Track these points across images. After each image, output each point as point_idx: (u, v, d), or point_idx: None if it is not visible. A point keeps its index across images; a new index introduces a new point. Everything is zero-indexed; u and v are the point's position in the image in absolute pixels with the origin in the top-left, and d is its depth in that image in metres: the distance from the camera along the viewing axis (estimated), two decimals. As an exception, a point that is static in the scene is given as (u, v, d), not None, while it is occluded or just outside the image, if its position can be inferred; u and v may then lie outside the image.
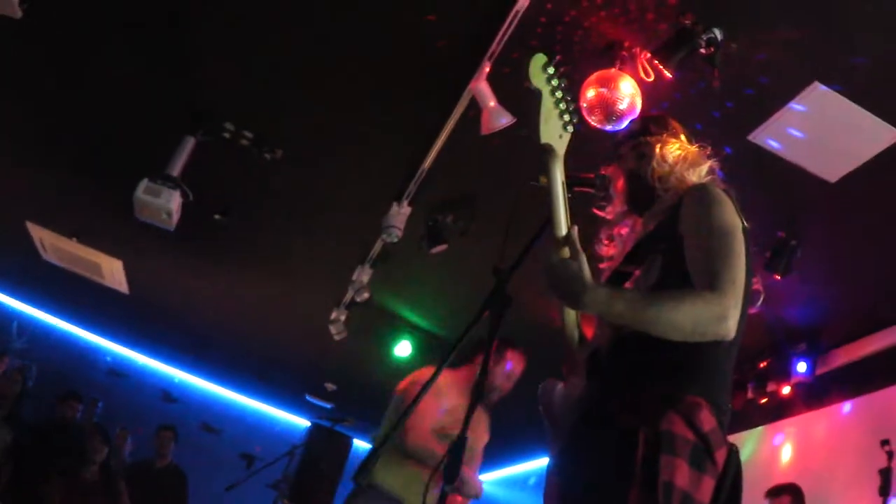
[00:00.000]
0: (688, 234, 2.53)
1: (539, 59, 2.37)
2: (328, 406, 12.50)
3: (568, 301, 2.42)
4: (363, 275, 7.73)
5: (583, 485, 2.41)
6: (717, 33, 4.61)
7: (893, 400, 7.10)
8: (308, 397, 12.60)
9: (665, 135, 2.91)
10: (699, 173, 2.79)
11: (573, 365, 2.72)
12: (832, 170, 5.55)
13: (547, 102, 2.37)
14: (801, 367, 7.58)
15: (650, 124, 3.02)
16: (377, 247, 7.44)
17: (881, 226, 5.97)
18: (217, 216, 7.70)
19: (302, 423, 12.17)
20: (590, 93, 4.87)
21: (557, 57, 2.38)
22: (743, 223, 2.55)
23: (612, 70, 4.89)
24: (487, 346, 2.46)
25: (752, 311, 2.59)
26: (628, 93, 4.84)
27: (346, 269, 7.94)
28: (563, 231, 2.42)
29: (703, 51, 4.64)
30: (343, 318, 8.51)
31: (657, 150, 2.85)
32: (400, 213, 6.44)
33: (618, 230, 2.97)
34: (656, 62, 4.73)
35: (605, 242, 2.97)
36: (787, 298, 6.99)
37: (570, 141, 2.42)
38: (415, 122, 5.94)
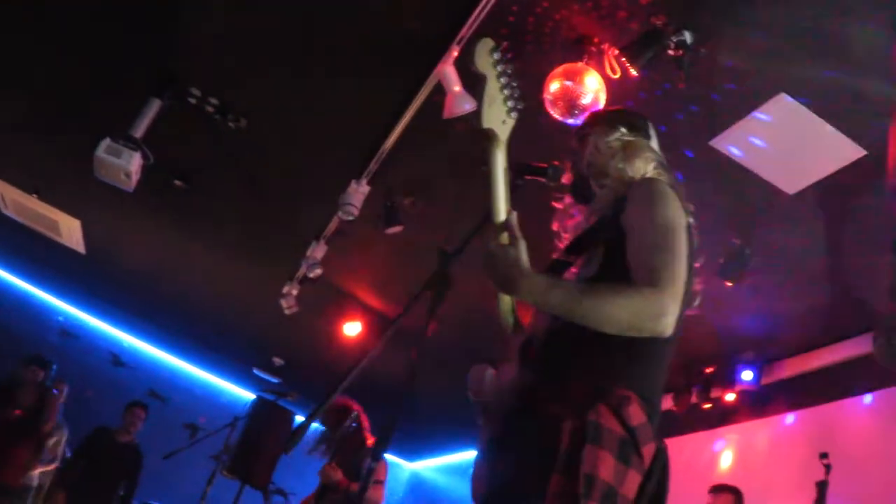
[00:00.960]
0: (631, 228, 2.49)
1: (486, 43, 2.35)
2: (275, 380, 12.51)
3: (504, 287, 2.38)
4: (317, 251, 7.70)
5: (507, 473, 2.38)
6: (688, 36, 4.61)
7: (835, 414, 7.18)
8: (255, 371, 12.60)
9: (604, 127, 2.88)
10: (638, 167, 2.74)
11: (506, 352, 2.70)
12: (791, 182, 5.57)
13: (491, 87, 2.35)
14: (747, 375, 7.64)
15: (594, 117, 3.02)
16: (333, 224, 7.43)
17: (836, 242, 6.00)
18: (177, 181, 7.67)
19: (248, 395, 12.16)
20: (554, 85, 4.87)
21: (505, 43, 2.37)
22: (688, 220, 2.53)
23: (579, 64, 4.89)
24: (425, 328, 2.44)
25: (691, 312, 2.57)
26: (593, 88, 4.83)
27: (302, 244, 7.93)
28: (503, 216, 2.40)
29: (671, 52, 4.64)
30: (295, 292, 8.49)
31: (591, 142, 2.85)
32: (358, 192, 6.42)
33: (569, 222, 2.94)
34: (624, 60, 4.73)
35: (563, 235, 2.94)
36: (737, 306, 7.03)
37: (514, 127, 2.40)
38: (380, 102, 5.91)
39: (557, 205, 2.99)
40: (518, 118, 2.40)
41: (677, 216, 2.48)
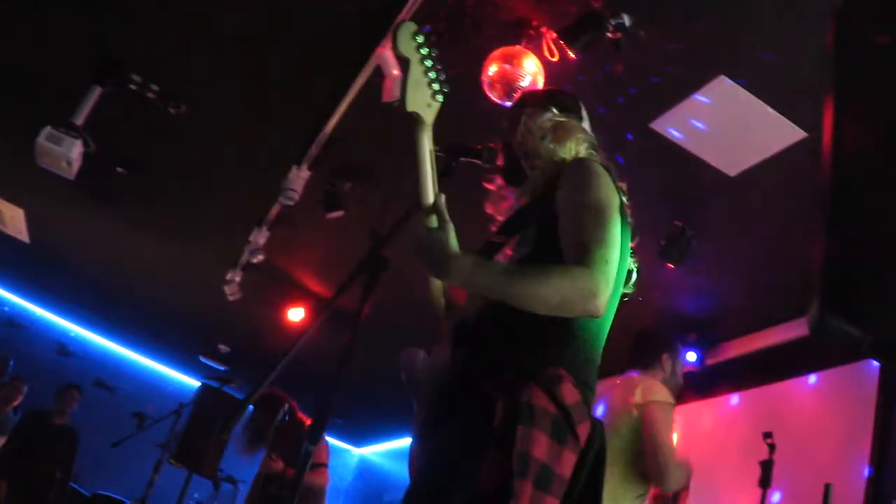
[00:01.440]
0: (563, 209, 2.47)
1: (408, 27, 2.34)
2: (222, 368, 12.47)
3: (432, 271, 2.37)
4: (259, 237, 7.69)
5: (439, 453, 2.36)
6: (626, 19, 4.60)
7: (779, 395, 7.25)
8: (201, 358, 12.56)
9: (535, 108, 2.86)
10: (569, 147, 2.72)
11: (439, 333, 2.69)
12: (732, 164, 5.61)
13: (415, 71, 2.34)
14: (691, 356, 7.69)
15: (525, 98, 3.00)
16: (275, 209, 7.41)
17: (777, 223, 6.04)
18: (119, 169, 7.59)
19: (195, 383, 12.15)
20: (492, 68, 4.86)
21: (427, 27, 2.35)
22: (621, 199, 2.52)
23: (517, 47, 4.88)
24: (359, 309, 2.42)
25: (626, 291, 2.59)
26: (531, 71, 4.83)
27: (244, 230, 7.91)
28: (430, 199, 2.38)
29: (610, 35, 4.63)
30: (237, 279, 8.47)
31: (522, 123, 2.83)
32: (299, 177, 6.39)
33: (503, 204, 2.93)
34: (562, 42, 4.72)
35: (497, 217, 2.93)
36: (680, 288, 7.08)
37: (440, 110, 2.39)
38: (320, 86, 5.88)
39: (490, 186, 2.97)
40: (444, 101, 2.39)
41: (610, 196, 2.47)
